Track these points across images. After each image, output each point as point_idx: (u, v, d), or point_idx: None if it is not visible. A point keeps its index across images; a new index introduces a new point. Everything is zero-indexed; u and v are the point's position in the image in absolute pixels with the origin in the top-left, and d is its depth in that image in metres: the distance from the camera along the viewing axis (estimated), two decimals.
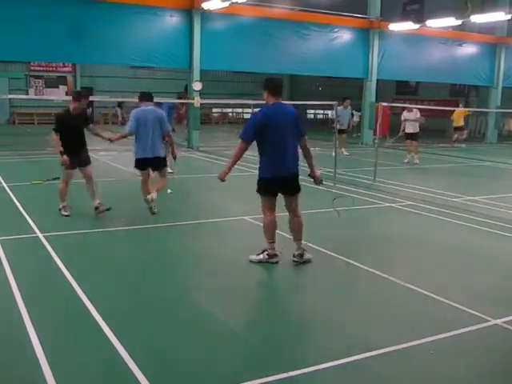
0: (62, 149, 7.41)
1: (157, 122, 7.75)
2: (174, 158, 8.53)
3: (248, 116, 35.67)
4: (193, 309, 4.69)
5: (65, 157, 7.41)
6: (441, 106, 24.15)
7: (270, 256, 5.79)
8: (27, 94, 30.16)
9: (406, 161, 15.61)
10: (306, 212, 5.95)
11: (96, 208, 7.71)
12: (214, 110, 36.05)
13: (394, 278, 5.42)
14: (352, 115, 19.51)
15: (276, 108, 5.61)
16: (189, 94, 18.39)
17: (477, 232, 7.57)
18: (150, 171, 8.05)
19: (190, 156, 16.05)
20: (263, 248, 5.82)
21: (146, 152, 7.73)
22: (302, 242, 5.87)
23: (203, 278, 5.50)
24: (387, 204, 9.36)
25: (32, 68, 30.69)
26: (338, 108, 13.99)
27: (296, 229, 5.82)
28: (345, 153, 17.02)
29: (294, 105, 5.93)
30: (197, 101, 17.98)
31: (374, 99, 21.53)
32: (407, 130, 15.32)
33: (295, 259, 5.79)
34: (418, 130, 15.23)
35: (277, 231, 5.86)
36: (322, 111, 37.88)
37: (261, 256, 5.79)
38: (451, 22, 20.10)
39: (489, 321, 4.46)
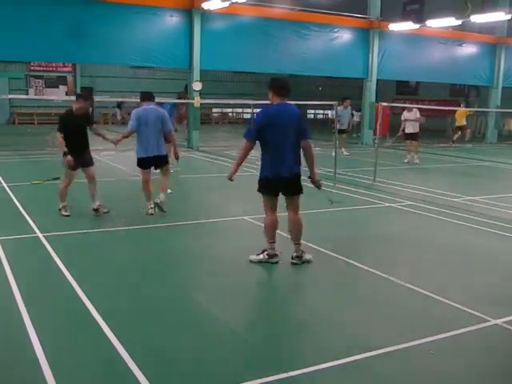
0: (66, 149, 7.41)
1: (158, 122, 7.78)
2: (177, 158, 8.54)
3: (248, 116, 35.76)
4: (193, 309, 4.69)
5: (69, 157, 7.40)
6: (441, 106, 24.14)
7: (270, 256, 5.79)
8: (27, 93, 30.20)
9: (406, 161, 15.62)
10: (306, 212, 5.95)
11: (95, 210, 7.70)
12: (214, 110, 36.07)
13: (394, 278, 5.42)
14: (352, 115, 19.52)
15: (280, 108, 5.62)
16: (189, 94, 18.39)
17: (477, 232, 7.57)
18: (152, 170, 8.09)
19: (190, 156, 16.04)
20: (263, 248, 5.83)
21: (147, 151, 7.77)
22: (302, 242, 5.86)
23: (203, 277, 5.50)
24: (387, 204, 9.36)
25: (32, 68, 30.72)
26: (338, 108, 13.98)
27: (295, 229, 5.81)
28: (345, 153, 17.01)
29: (294, 105, 5.90)
30: (197, 101, 17.98)
31: (373, 99, 21.53)
32: (407, 130, 15.32)
33: (294, 261, 5.79)
34: (417, 129, 15.23)
35: (277, 231, 5.86)
36: (322, 111, 37.89)
37: (261, 256, 5.79)
38: (451, 22, 20.11)
39: (489, 321, 4.45)
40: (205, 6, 17.30)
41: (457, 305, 4.76)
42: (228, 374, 3.57)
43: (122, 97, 25.12)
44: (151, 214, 7.82)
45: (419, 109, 15.68)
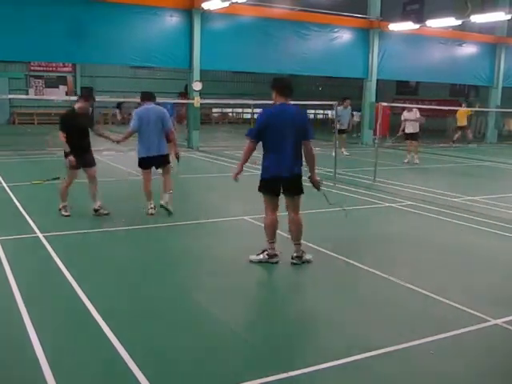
0: (68, 149, 7.40)
1: (159, 121, 7.80)
2: (178, 158, 8.53)
3: (248, 116, 35.80)
4: (193, 309, 4.69)
5: (71, 157, 7.39)
6: (441, 106, 24.14)
7: (270, 256, 5.79)
8: (27, 94, 30.19)
9: (406, 161, 15.62)
10: (306, 212, 5.95)
11: (95, 210, 7.70)
12: (214, 110, 36.07)
13: (394, 278, 5.42)
14: (352, 115, 19.52)
15: (281, 108, 5.62)
16: (189, 94, 18.39)
17: (477, 232, 7.57)
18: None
19: (190, 156, 16.04)
20: (263, 248, 5.83)
21: (149, 150, 7.79)
22: (303, 241, 5.86)
23: (203, 277, 5.50)
24: (387, 204, 9.36)
25: (32, 68, 30.72)
26: (338, 108, 13.99)
27: (295, 230, 5.81)
28: (345, 153, 17.02)
29: (294, 105, 5.90)
30: (197, 101, 17.98)
31: (373, 99, 21.54)
32: (407, 130, 15.32)
33: (294, 261, 5.79)
34: (417, 130, 15.23)
35: (277, 231, 5.86)
36: (322, 111, 37.89)
37: (261, 256, 5.80)
38: (451, 22, 20.10)
39: (489, 321, 4.45)
40: (205, 6, 17.30)
41: (457, 305, 4.76)
42: (228, 374, 3.57)
43: (124, 97, 25.12)
44: (151, 214, 7.82)
45: (419, 109, 15.69)
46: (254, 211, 7.59)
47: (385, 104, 13.29)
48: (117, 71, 31.26)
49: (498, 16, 19.58)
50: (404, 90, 32.26)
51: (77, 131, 7.47)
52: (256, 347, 4.02)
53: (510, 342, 4.27)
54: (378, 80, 21.88)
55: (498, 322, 4.45)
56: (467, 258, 6.36)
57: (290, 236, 5.90)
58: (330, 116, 34.25)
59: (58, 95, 30.57)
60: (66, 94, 31.14)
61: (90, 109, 7.80)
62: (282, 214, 5.92)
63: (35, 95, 30.60)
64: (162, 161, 7.93)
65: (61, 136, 7.43)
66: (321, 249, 6.33)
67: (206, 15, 17.92)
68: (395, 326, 4.38)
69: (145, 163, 7.90)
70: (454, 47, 23.56)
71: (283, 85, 5.74)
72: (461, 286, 5.36)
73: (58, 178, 10.00)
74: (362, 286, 5.39)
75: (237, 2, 16.69)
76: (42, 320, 4.27)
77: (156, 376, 3.47)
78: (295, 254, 5.79)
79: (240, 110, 37.34)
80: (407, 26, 21.22)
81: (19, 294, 4.73)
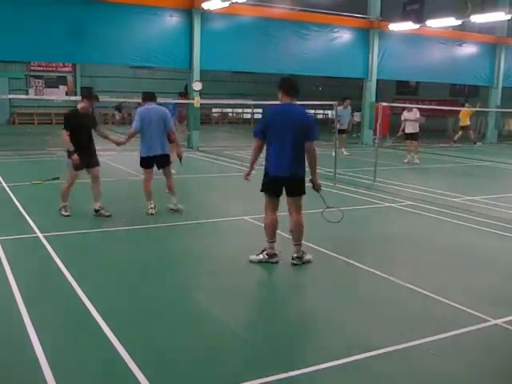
0: (72, 148, 7.36)
1: (161, 121, 7.84)
2: (180, 158, 8.55)
3: (248, 116, 35.81)
4: (193, 309, 4.69)
5: (75, 156, 7.33)
6: (441, 106, 24.14)
7: (270, 255, 5.79)
8: (27, 94, 30.21)
9: (405, 161, 15.62)
10: (306, 212, 5.94)
11: (96, 211, 7.69)
12: (214, 110, 36.08)
13: (394, 278, 5.42)
14: (352, 115, 19.52)
15: (284, 108, 5.64)
16: (189, 94, 18.39)
17: (477, 232, 7.57)
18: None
19: (190, 156, 16.03)
20: (263, 247, 5.82)
21: (150, 150, 7.82)
22: (303, 242, 5.85)
23: (203, 277, 5.50)
24: (387, 204, 9.36)
25: (32, 68, 30.73)
26: (338, 108, 13.99)
27: (296, 230, 5.80)
28: (345, 153, 17.02)
29: (299, 105, 5.90)
30: (197, 101, 17.98)
31: (373, 99, 21.54)
32: (407, 130, 15.32)
33: (294, 261, 5.79)
34: (417, 130, 15.24)
35: (278, 231, 5.86)
36: (322, 111, 37.89)
37: (260, 256, 5.79)
38: (451, 22, 20.11)
39: (489, 321, 4.46)
40: (205, 6, 17.31)
41: (457, 305, 4.76)
42: (228, 374, 3.57)
43: (124, 97, 25.13)
44: (151, 214, 7.82)
45: (419, 109, 15.69)
46: (254, 211, 7.60)
47: (385, 104, 13.29)
48: (117, 71, 31.27)
49: (497, 16, 19.58)
50: (404, 90, 32.27)
51: (80, 131, 7.44)
52: (256, 347, 4.02)
53: (510, 342, 4.27)
54: (377, 80, 21.89)
55: (498, 321, 4.45)
56: (467, 258, 6.36)
57: (291, 236, 5.90)
58: (329, 116, 34.24)
59: (58, 95, 30.59)
60: (66, 94, 31.16)
61: (90, 109, 7.77)
62: (283, 213, 5.92)
63: (35, 95, 30.62)
64: (163, 160, 7.95)
65: (64, 135, 7.40)
66: (321, 249, 6.33)
67: (206, 15, 17.93)
68: (395, 326, 4.38)
69: (146, 163, 7.93)
70: (453, 47, 23.56)
71: (290, 85, 5.75)
72: (461, 286, 5.36)
73: (58, 178, 10.01)
74: (362, 286, 5.39)
75: (237, 2, 16.69)
76: (42, 320, 4.27)
77: (156, 376, 3.47)
78: (295, 255, 5.79)
79: (240, 110, 37.36)
80: (407, 25, 21.22)
81: (19, 294, 4.73)
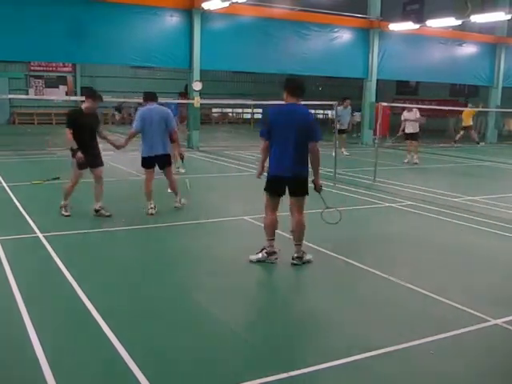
0: (76, 146, 7.34)
1: (162, 121, 7.85)
2: (182, 158, 8.57)
3: (248, 116, 35.80)
4: (193, 309, 4.69)
5: (79, 154, 7.32)
6: (441, 106, 24.14)
7: (269, 254, 5.79)
8: (27, 94, 30.21)
9: (405, 161, 15.62)
10: (306, 212, 5.94)
11: (96, 211, 7.68)
12: (214, 110, 36.08)
13: (394, 278, 5.42)
14: (352, 115, 19.52)
15: (289, 108, 5.65)
16: (189, 94, 18.39)
17: (477, 232, 7.57)
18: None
19: (189, 156, 16.02)
20: (262, 246, 5.82)
21: (151, 150, 7.83)
22: (303, 241, 5.86)
23: (203, 278, 5.49)
24: (387, 204, 9.36)
25: (32, 68, 30.73)
26: (338, 108, 14.00)
27: (297, 230, 5.79)
28: (345, 153, 17.02)
29: (303, 106, 5.91)
30: (197, 101, 17.98)
31: (373, 99, 21.54)
32: (407, 130, 15.32)
33: (294, 262, 5.79)
34: (417, 130, 15.23)
35: (277, 231, 5.86)
36: (322, 111, 37.89)
37: (260, 255, 5.79)
38: (451, 22, 20.11)
39: (489, 321, 4.46)
40: (205, 6, 17.31)
41: (457, 305, 4.76)
42: (228, 374, 3.57)
43: (124, 97, 25.10)
44: (151, 214, 7.82)
45: (419, 109, 15.69)
46: (253, 211, 7.60)
47: (385, 104, 13.30)
48: (117, 71, 31.26)
49: (497, 16, 19.58)
50: (404, 89, 32.27)
51: (83, 130, 7.43)
52: (256, 347, 4.02)
53: (510, 342, 4.27)
54: (377, 80, 21.89)
55: (498, 321, 4.45)
56: (467, 258, 6.36)
57: (291, 236, 5.90)
58: (330, 116, 34.23)
59: (58, 95, 30.59)
60: (66, 93, 31.17)
61: (95, 109, 7.76)
62: (283, 213, 5.92)
63: (35, 95, 30.62)
64: (164, 160, 7.96)
65: (67, 133, 7.39)
66: (321, 249, 6.33)
67: (206, 15, 17.93)
68: (395, 326, 4.38)
69: (147, 163, 7.93)
70: (453, 47, 23.56)
71: (295, 85, 5.75)
72: (461, 286, 5.36)
73: (58, 178, 10.02)
74: (362, 286, 5.39)
75: (237, 2, 16.69)
76: (42, 320, 4.27)
77: (156, 376, 3.47)
78: (296, 255, 5.79)
79: (240, 110, 37.35)
80: (407, 26, 21.23)
81: (19, 294, 4.73)
